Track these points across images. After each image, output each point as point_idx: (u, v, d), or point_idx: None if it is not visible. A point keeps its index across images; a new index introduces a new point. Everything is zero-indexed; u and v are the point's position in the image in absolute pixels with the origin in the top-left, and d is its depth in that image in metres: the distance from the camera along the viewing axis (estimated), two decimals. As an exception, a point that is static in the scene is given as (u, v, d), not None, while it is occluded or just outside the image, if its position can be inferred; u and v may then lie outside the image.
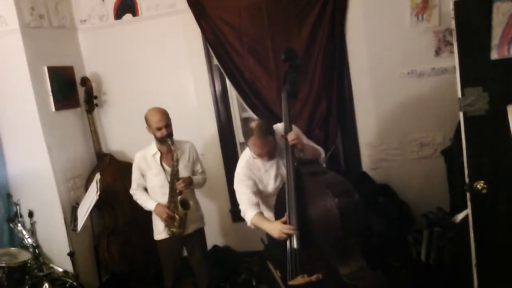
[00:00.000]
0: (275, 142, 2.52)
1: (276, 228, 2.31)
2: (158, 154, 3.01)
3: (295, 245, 2.24)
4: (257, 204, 2.53)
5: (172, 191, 2.94)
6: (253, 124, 2.48)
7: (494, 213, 2.18)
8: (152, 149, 3.04)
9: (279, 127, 2.62)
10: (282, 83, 2.55)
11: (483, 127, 2.11)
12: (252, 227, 2.53)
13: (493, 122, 2.08)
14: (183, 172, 3.00)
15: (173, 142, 2.93)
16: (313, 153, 2.58)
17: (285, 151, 2.44)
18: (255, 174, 2.58)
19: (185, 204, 2.93)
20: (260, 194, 2.60)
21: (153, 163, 3.02)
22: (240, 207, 2.57)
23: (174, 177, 2.92)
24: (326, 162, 3.25)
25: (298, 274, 2.20)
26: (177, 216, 2.93)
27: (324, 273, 2.18)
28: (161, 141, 2.95)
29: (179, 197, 2.92)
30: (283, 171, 2.56)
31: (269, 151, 2.49)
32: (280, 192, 2.49)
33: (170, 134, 2.94)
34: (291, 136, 2.39)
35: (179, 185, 2.90)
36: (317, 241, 2.26)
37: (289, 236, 2.27)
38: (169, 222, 2.97)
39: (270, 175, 2.59)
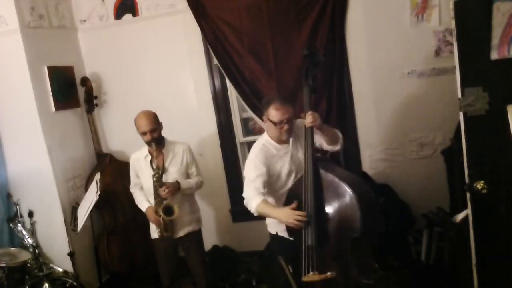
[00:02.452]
0: (294, 118, 2.51)
1: (285, 215, 2.28)
2: (149, 157, 3.02)
3: (309, 241, 2.23)
4: (263, 194, 2.45)
5: (157, 197, 2.93)
6: (271, 95, 2.52)
7: (494, 213, 2.18)
8: (144, 151, 3.05)
9: (296, 121, 2.62)
10: (304, 78, 2.51)
11: (483, 127, 2.11)
12: (256, 214, 2.47)
13: (493, 122, 2.08)
14: (175, 175, 2.99)
15: (161, 146, 2.95)
16: (331, 135, 2.56)
17: (304, 137, 2.42)
18: (270, 160, 2.53)
19: (168, 211, 2.90)
20: (270, 186, 2.54)
21: (145, 165, 3.03)
22: (244, 194, 2.50)
23: (157, 183, 2.91)
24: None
25: (312, 271, 2.19)
26: (161, 221, 2.92)
27: (337, 271, 2.18)
28: (148, 145, 2.98)
29: (163, 203, 2.90)
30: (298, 161, 2.54)
31: (289, 119, 2.46)
32: (292, 190, 2.47)
33: (155, 139, 2.93)
34: (308, 118, 2.37)
35: (162, 192, 2.87)
36: (333, 238, 2.26)
37: (299, 226, 2.24)
38: (158, 224, 2.98)
39: (285, 163, 2.54)
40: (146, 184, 3.06)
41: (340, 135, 2.63)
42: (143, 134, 2.93)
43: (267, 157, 2.53)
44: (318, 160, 2.41)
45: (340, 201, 2.23)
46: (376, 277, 2.20)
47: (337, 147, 2.61)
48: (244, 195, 2.52)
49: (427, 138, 3.40)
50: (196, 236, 3.17)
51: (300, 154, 2.55)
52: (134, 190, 3.17)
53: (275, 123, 2.47)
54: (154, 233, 3.08)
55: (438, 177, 3.31)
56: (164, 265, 3.16)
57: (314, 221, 2.23)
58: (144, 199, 3.08)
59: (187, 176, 3.10)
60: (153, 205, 2.98)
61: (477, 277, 2.26)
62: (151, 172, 2.97)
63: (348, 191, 2.20)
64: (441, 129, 3.32)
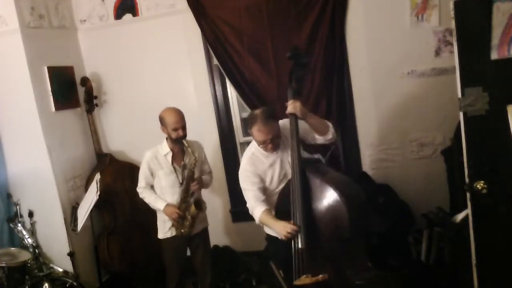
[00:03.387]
0: (279, 129, 2.50)
1: (280, 227, 2.30)
2: (170, 154, 3.00)
3: (299, 244, 2.23)
4: (265, 201, 2.50)
5: (186, 192, 2.94)
6: (257, 111, 2.50)
7: (494, 213, 2.18)
8: (164, 149, 3.02)
9: (284, 122, 2.61)
10: (288, 80, 2.50)
11: (483, 127, 2.11)
12: (260, 224, 2.51)
13: (493, 122, 2.08)
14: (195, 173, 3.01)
15: (188, 144, 2.93)
16: (317, 123, 2.52)
17: (290, 143, 2.42)
18: (260, 169, 2.55)
19: (199, 205, 2.95)
20: (265, 191, 2.57)
21: (164, 163, 3.01)
22: (248, 204, 2.55)
23: (190, 178, 2.93)
24: (327, 162, 3.25)
25: (303, 274, 2.19)
26: (189, 216, 2.93)
27: (329, 273, 2.18)
28: (175, 141, 2.95)
29: (192, 198, 2.94)
30: (288, 167, 2.54)
31: (273, 138, 2.46)
32: (283, 192, 2.48)
33: (185, 136, 2.94)
34: (289, 106, 2.38)
35: (194, 187, 2.92)
36: (323, 241, 2.26)
37: (293, 236, 2.26)
38: (178, 222, 2.96)
39: (275, 170, 2.55)
40: (163, 183, 3.02)
41: (329, 123, 2.59)
42: (175, 130, 2.90)
43: (257, 166, 2.55)
44: (307, 162, 2.41)
45: (328, 203, 2.22)
46: (369, 277, 2.20)
47: (329, 136, 2.56)
48: (247, 205, 2.55)
49: (427, 138, 3.40)
50: (205, 233, 3.20)
51: (290, 158, 2.53)
52: (143, 189, 3.07)
53: (258, 143, 2.49)
54: (166, 233, 3.06)
55: (438, 177, 3.31)
56: (174, 265, 3.14)
57: (303, 224, 2.23)
58: (158, 198, 3.03)
59: (201, 173, 3.11)
60: (171, 202, 2.98)
61: (477, 277, 2.26)
62: (171, 170, 2.98)
63: (334, 193, 2.19)
64: (441, 129, 3.32)
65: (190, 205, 2.93)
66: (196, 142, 3.12)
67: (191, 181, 2.94)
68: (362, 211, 2.25)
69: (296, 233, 2.24)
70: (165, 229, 3.07)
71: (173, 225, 3.01)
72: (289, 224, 2.27)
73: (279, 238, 2.40)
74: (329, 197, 2.21)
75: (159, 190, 3.05)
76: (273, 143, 2.47)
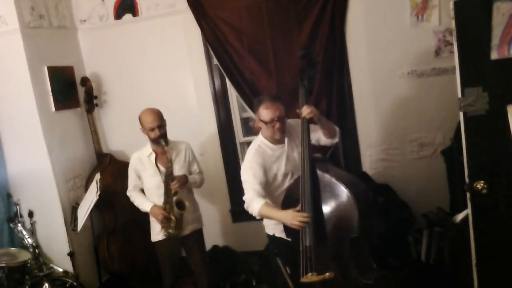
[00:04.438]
0: (285, 112, 2.51)
1: (290, 217, 2.25)
2: (153, 155, 3.02)
3: (307, 242, 2.23)
4: (264, 196, 2.44)
5: (167, 192, 2.93)
6: (262, 95, 2.56)
7: (494, 213, 2.18)
8: (147, 150, 3.05)
9: (289, 121, 2.63)
10: (299, 79, 2.52)
11: (483, 127, 2.11)
12: (258, 217, 2.46)
13: (493, 122, 2.09)
14: (179, 173, 3.00)
15: (167, 143, 2.93)
16: (329, 127, 2.55)
17: (301, 132, 2.42)
18: (266, 161, 2.53)
19: (180, 205, 2.93)
20: (267, 187, 2.53)
21: (148, 164, 3.03)
22: (245, 197, 2.49)
23: (168, 177, 2.92)
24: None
25: (310, 271, 2.19)
26: (172, 217, 2.92)
27: (335, 271, 2.18)
28: (154, 142, 2.96)
29: (174, 198, 2.92)
30: (294, 161, 2.55)
31: (280, 117, 2.46)
32: (289, 190, 2.47)
33: (163, 135, 2.94)
34: (305, 110, 2.37)
35: (174, 186, 2.89)
36: (330, 239, 2.26)
37: (303, 227, 2.22)
38: (165, 223, 2.96)
39: (281, 164, 2.55)
40: (149, 184, 3.05)
41: (336, 128, 2.63)
42: (151, 130, 2.92)
43: (263, 158, 2.53)
44: (315, 160, 2.41)
45: (337, 201, 2.23)
46: (375, 277, 2.21)
47: (335, 140, 2.61)
48: (244, 198, 2.51)
49: (427, 138, 3.40)
50: (198, 235, 3.19)
51: (296, 154, 2.56)
52: (132, 193, 3.14)
53: (266, 122, 2.49)
54: (158, 235, 3.06)
55: (438, 177, 3.31)
56: (167, 266, 3.15)
57: (312, 221, 2.23)
58: (145, 200, 3.07)
59: (190, 174, 3.11)
60: (157, 204, 2.98)
61: (477, 277, 2.26)
62: (155, 171, 2.97)
63: (345, 191, 2.20)
64: (441, 129, 3.32)
65: (173, 205, 2.93)
66: (182, 143, 3.13)
67: (170, 180, 2.91)
68: (370, 210, 2.26)
69: (309, 220, 2.20)
70: (156, 232, 3.08)
71: (162, 227, 3.01)
72: (297, 212, 2.24)
73: (285, 235, 2.39)
74: (339, 195, 2.22)
75: (146, 192, 3.09)
76: (280, 122, 2.47)
